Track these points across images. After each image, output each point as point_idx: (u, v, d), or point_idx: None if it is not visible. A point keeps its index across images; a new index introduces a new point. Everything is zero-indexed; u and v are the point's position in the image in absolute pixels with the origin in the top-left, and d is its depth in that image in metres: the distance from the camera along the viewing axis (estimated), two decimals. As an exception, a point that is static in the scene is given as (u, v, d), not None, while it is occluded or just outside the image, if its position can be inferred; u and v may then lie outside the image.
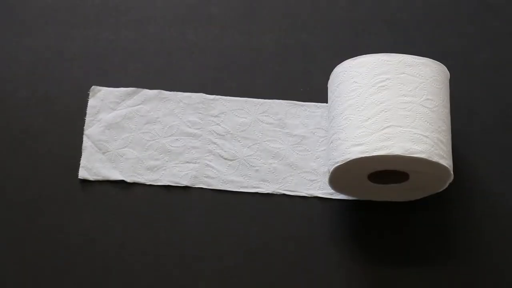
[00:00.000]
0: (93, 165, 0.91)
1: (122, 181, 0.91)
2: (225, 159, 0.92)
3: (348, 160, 0.81)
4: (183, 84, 0.96)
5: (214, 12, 1.00)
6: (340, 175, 0.84)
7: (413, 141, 0.79)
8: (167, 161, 0.91)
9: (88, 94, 0.95)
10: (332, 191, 0.89)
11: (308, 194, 0.90)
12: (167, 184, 0.91)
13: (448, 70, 0.86)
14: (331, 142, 0.84)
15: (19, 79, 0.96)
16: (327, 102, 0.90)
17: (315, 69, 0.96)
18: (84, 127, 0.93)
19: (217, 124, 0.93)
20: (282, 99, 0.94)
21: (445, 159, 0.81)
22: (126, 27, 0.99)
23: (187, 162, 0.91)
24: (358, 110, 0.82)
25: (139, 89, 0.95)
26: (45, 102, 0.95)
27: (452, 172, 0.82)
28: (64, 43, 0.98)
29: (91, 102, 0.95)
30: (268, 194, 0.90)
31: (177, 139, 0.92)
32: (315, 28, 0.99)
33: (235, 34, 0.98)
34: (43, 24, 0.99)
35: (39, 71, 0.97)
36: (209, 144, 0.92)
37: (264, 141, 0.92)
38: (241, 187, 0.90)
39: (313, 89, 0.95)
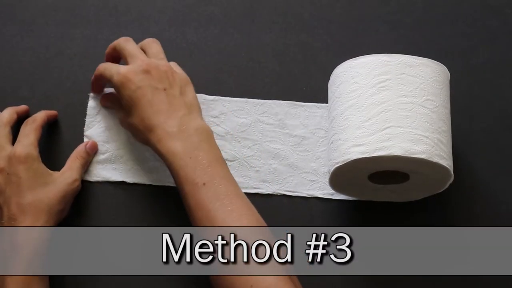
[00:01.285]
0: (93, 166, 0.91)
1: (123, 182, 0.91)
2: (225, 159, 0.91)
3: (349, 160, 0.81)
4: (183, 84, 0.96)
5: (214, 12, 1.00)
6: (341, 176, 0.84)
7: (413, 142, 0.79)
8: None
9: (88, 95, 0.95)
10: (333, 191, 0.89)
11: (309, 195, 0.90)
12: (167, 185, 0.91)
13: (448, 70, 0.86)
14: (332, 142, 0.84)
15: (19, 79, 0.96)
16: (327, 103, 0.90)
17: (315, 69, 0.96)
18: (84, 128, 0.93)
19: (217, 124, 0.93)
20: (282, 99, 0.94)
21: (445, 160, 0.81)
22: (126, 27, 0.99)
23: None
24: (359, 111, 0.82)
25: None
26: (45, 102, 0.95)
27: (452, 173, 0.82)
28: (64, 43, 0.98)
29: (91, 103, 0.94)
30: (268, 194, 0.90)
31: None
32: (315, 28, 0.98)
33: (235, 34, 0.98)
34: (43, 24, 0.99)
35: (39, 71, 0.97)
36: (209, 144, 0.92)
37: (264, 142, 0.92)
38: (241, 187, 0.90)
39: (313, 89, 0.95)
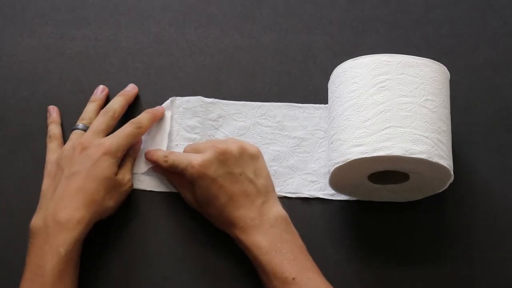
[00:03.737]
0: None
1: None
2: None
3: (348, 160, 0.81)
4: (183, 84, 0.96)
5: (214, 12, 1.00)
6: (341, 176, 0.84)
7: (413, 142, 0.79)
8: (167, 167, 0.91)
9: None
10: (333, 191, 0.89)
11: (309, 195, 0.90)
12: (168, 191, 0.90)
13: (448, 70, 0.86)
14: (332, 142, 0.84)
15: (19, 79, 0.96)
16: (327, 103, 0.90)
17: (315, 69, 0.96)
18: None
19: (216, 128, 0.93)
20: (282, 100, 0.94)
21: (445, 160, 0.81)
22: (126, 27, 0.99)
23: (188, 168, 0.91)
24: (358, 111, 0.82)
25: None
26: (45, 102, 0.95)
27: (452, 173, 0.82)
28: (64, 43, 0.98)
29: None
30: (269, 196, 0.90)
31: (177, 145, 0.92)
32: (315, 28, 0.98)
33: (235, 34, 0.98)
34: (43, 24, 0.99)
35: (39, 71, 0.97)
36: (208, 148, 0.92)
37: (264, 144, 0.92)
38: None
39: (313, 89, 0.95)
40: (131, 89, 0.94)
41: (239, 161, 0.84)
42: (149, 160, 0.90)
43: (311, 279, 0.80)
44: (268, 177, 0.86)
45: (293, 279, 0.79)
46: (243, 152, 0.85)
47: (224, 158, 0.84)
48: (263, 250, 0.81)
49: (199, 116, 0.93)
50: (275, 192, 0.86)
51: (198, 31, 0.99)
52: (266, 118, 0.93)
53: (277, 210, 0.84)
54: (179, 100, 0.94)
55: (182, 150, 0.91)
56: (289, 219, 0.84)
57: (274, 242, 0.81)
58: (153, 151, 0.90)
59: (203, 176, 0.83)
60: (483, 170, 0.91)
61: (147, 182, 0.91)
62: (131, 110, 0.94)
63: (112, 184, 0.85)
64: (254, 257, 0.82)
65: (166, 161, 0.88)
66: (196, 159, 0.84)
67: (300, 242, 0.83)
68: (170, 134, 0.92)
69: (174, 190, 0.90)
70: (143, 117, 0.91)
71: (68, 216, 0.81)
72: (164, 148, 0.91)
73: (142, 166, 0.91)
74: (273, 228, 0.82)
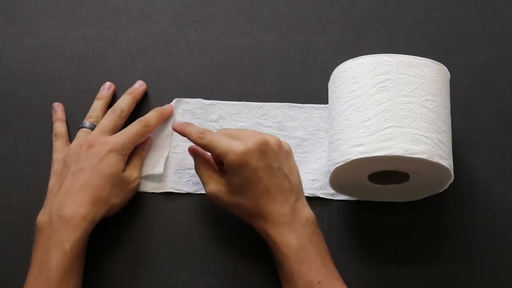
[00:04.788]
0: None
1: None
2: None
3: (349, 160, 0.81)
4: (183, 84, 0.96)
5: (214, 12, 1.00)
6: (341, 176, 0.84)
7: (413, 142, 0.79)
8: (168, 168, 0.91)
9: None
10: (333, 191, 0.89)
11: (310, 194, 0.90)
12: (169, 191, 0.90)
13: (448, 70, 0.86)
14: (332, 142, 0.84)
15: (19, 79, 0.96)
16: (327, 103, 0.90)
17: (315, 69, 0.96)
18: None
19: (216, 129, 0.92)
20: (282, 100, 0.94)
21: (445, 160, 0.81)
22: (126, 27, 0.99)
23: (188, 169, 0.91)
24: (359, 111, 0.82)
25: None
26: (45, 102, 0.95)
27: (452, 173, 0.82)
28: (64, 43, 0.98)
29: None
30: (269, 196, 0.90)
31: (177, 145, 0.92)
32: (315, 28, 0.99)
33: (236, 34, 0.98)
34: (43, 24, 0.99)
35: (39, 71, 0.97)
36: (209, 149, 0.92)
37: (264, 145, 0.92)
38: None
39: (313, 89, 0.95)
40: (138, 86, 0.94)
41: (278, 156, 0.83)
42: (178, 131, 0.88)
43: (335, 285, 0.80)
44: (299, 176, 0.85)
45: (319, 282, 0.78)
46: (280, 147, 0.84)
47: (265, 149, 0.82)
48: (293, 249, 0.80)
49: (199, 118, 0.93)
50: (303, 193, 0.85)
51: (198, 31, 0.99)
52: (266, 119, 0.93)
53: (308, 211, 0.83)
54: (178, 102, 0.94)
55: (182, 151, 0.91)
56: (316, 222, 0.83)
57: (304, 242, 0.80)
58: (183, 124, 0.88)
59: (244, 164, 0.81)
60: (483, 170, 0.91)
61: (148, 184, 0.91)
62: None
63: (118, 181, 0.85)
64: (282, 254, 0.80)
65: (201, 138, 0.85)
66: (239, 146, 0.81)
67: (326, 246, 0.82)
68: (170, 135, 0.92)
69: (174, 191, 0.90)
70: (151, 115, 0.91)
71: (73, 212, 0.81)
72: (167, 148, 0.91)
73: (145, 169, 0.91)
74: (304, 227, 0.81)
